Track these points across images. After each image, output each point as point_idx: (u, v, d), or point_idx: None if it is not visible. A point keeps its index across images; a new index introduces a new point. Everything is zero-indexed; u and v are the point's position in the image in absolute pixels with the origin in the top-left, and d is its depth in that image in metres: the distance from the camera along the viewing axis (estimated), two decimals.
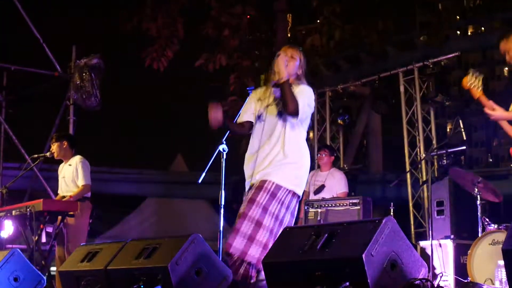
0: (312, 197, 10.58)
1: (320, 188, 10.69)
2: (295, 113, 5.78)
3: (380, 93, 13.44)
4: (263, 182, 5.80)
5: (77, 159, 9.37)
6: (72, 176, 9.28)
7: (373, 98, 13.76)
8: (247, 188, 6.03)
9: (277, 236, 5.37)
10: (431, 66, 12.46)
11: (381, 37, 16.22)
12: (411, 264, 4.52)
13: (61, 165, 9.62)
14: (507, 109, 5.85)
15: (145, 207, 20.67)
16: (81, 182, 9.20)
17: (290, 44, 6.43)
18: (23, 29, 13.25)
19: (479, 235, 8.38)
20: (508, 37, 5.99)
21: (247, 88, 6.68)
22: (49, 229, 9.03)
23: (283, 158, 5.86)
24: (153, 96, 22.51)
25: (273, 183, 5.78)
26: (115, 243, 6.09)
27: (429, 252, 9.34)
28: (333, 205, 9.78)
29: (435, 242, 9.51)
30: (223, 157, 6.27)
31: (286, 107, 5.77)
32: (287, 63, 5.95)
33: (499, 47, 6.06)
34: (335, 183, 10.63)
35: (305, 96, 5.88)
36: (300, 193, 5.93)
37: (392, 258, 4.41)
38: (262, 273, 5.12)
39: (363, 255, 4.23)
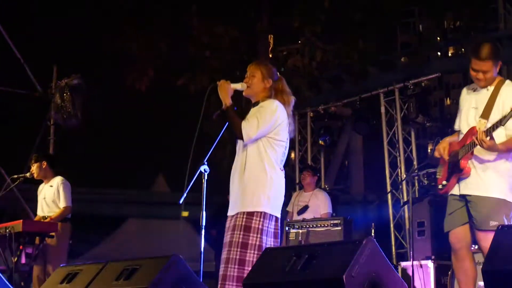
0: (296, 217, 10.58)
1: (304, 209, 10.70)
2: (240, 138, 5.82)
3: (361, 114, 13.48)
4: (234, 218, 5.79)
5: (58, 181, 9.36)
6: (53, 197, 9.27)
7: (354, 118, 13.79)
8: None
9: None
10: (411, 87, 12.51)
11: (362, 56, 16.31)
12: (392, 285, 4.51)
13: (40, 186, 9.60)
14: None
15: (126, 228, 20.60)
16: (62, 204, 9.20)
17: (253, 62, 6.42)
18: (3, 48, 13.21)
19: None
20: (492, 57, 5.68)
21: None
22: (29, 250, 8.98)
23: (248, 181, 5.82)
24: (134, 116, 22.48)
25: (243, 214, 5.75)
26: (95, 264, 6.04)
27: (410, 272, 9.34)
28: (314, 225, 9.78)
29: (416, 262, 9.52)
30: (204, 178, 6.26)
31: (235, 134, 5.85)
32: (251, 82, 6.02)
33: (478, 61, 5.70)
34: (319, 204, 10.64)
35: (261, 114, 5.83)
36: (275, 213, 5.82)
37: (373, 279, 4.40)
38: None
39: (344, 276, 4.22)
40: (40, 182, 9.69)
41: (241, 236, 5.69)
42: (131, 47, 15.90)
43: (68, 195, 9.30)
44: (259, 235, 5.70)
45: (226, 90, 5.94)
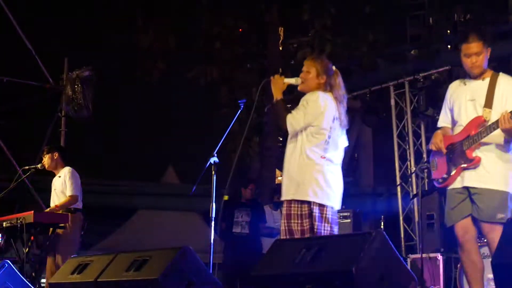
0: None
1: None
2: (286, 130, 6.03)
3: (371, 107, 13.49)
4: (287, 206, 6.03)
5: (66, 171, 9.39)
6: (61, 187, 9.29)
7: (364, 111, 13.80)
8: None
9: None
10: (421, 79, 12.50)
11: (372, 49, 16.27)
12: (401, 278, 4.53)
13: (54, 178, 9.63)
14: None
15: (136, 219, 20.60)
16: (68, 192, 9.21)
17: (310, 56, 6.68)
18: (15, 40, 13.24)
19: None
20: (480, 38, 5.86)
21: (239, 101, 6.73)
22: (39, 241, 9.02)
23: (292, 171, 6.03)
24: (144, 108, 22.47)
25: (291, 202, 5.99)
26: (105, 255, 6.08)
27: (419, 265, 9.35)
28: None
29: (425, 255, 9.53)
30: (214, 170, 6.30)
31: (279, 126, 6.14)
32: (305, 77, 6.19)
33: (469, 44, 5.85)
34: None
35: (304, 107, 6.00)
36: (314, 199, 5.96)
37: (382, 271, 4.42)
38: None
39: (353, 268, 4.24)
40: (51, 174, 9.72)
41: (286, 223, 5.98)
42: (142, 39, 15.90)
43: (75, 184, 9.29)
44: (300, 220, 5.96)
45: (278, 84, 6.15)
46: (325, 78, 6.15)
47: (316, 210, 5.91)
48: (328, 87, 6.14)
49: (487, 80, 5.86)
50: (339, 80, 6.21)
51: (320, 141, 6.01)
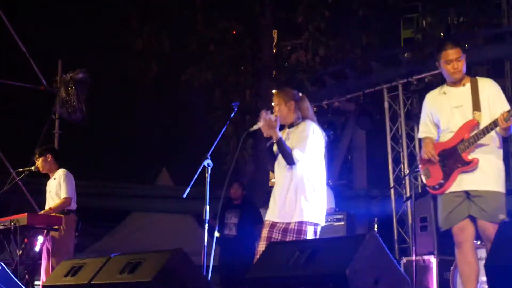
0: None
1: None
2: (292, 164, 6.21)
3: (364, 109, 13.49)
4: (293, 224, 6.13)
5: (60, 173, 9.38)
6: (56, 189, 9.29)
7: (357, 114, 13.81)
8: (268, 221, 6.32)
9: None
10: (415, 82, 12.51)
11: (365, 52, 16.29)
12: (395, 280, 4.54)
13: (48, 181, 9.61)
14: None
15: (130, 222, 20.60)
16: (63, 194, 9.21)
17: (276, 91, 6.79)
18: (9, 42, 13.23)
19: None
20: (459, 45, 6.01)
21: (232, 104, 6.77)
22: (34, 244, 9.01)
23: (300, 196, 6.19)
24: (138, 110, 22.47)
25: (299, 223, 6.11)
26: (99, 257, 6.09)
27: (412, 268, 9.36)
28: None
29: (418, 257, 9.54)
30: (208, 172, 6.31)
31: (285, 161, 6.23)
32: (277, 110, 6.44)
33: (448, 51, 5.97)
34: None
35: (304, 138, 6.26)
36: (319, 221, 6.26)
37: (376, 274, 4.43)
38: None
39: (347, 271, 4.25)
40: (45, 176, 9.71)
41: (294, 237, 6.10)
42: (135, 41, 15.90)
43: (70, 186, 9.30)
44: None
45: (272, 127, 6.26)
46: (293, 103, 6.47)
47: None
48: (298, 112, 6.50)
49: (468, 85, 5.98)
50: (306, 105, 6.57)
51: (321, 166, 6.43)
